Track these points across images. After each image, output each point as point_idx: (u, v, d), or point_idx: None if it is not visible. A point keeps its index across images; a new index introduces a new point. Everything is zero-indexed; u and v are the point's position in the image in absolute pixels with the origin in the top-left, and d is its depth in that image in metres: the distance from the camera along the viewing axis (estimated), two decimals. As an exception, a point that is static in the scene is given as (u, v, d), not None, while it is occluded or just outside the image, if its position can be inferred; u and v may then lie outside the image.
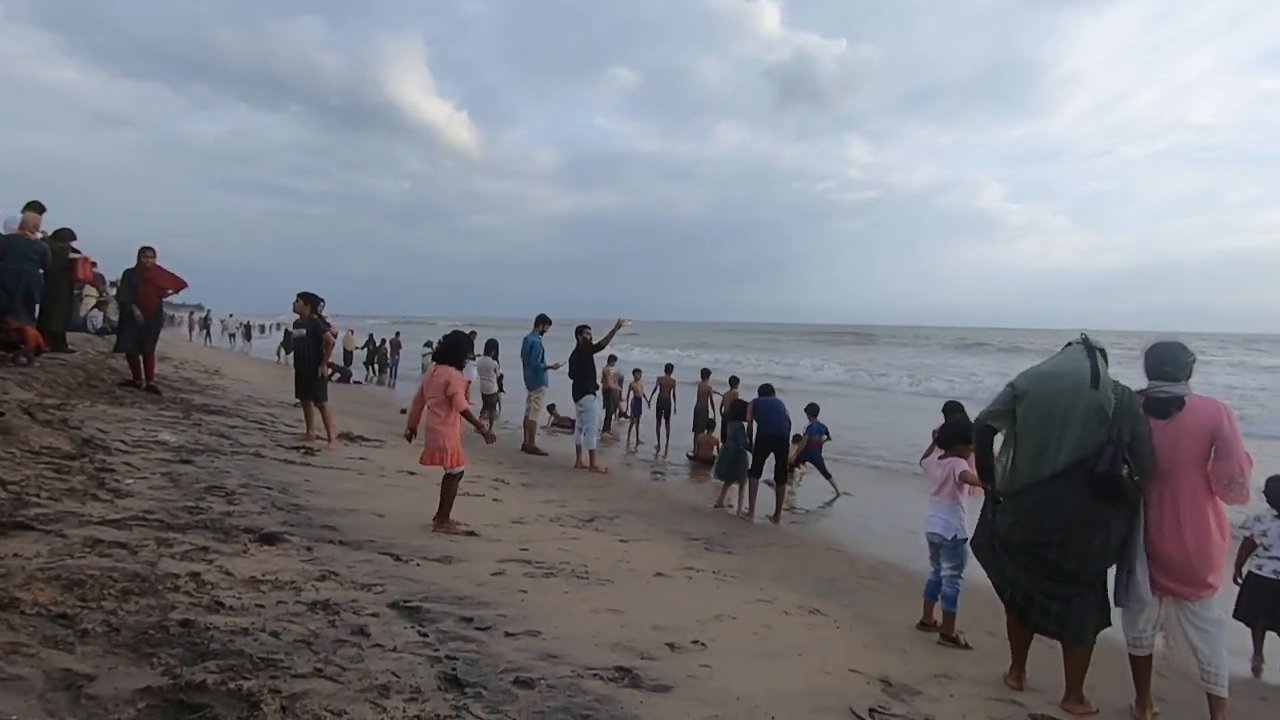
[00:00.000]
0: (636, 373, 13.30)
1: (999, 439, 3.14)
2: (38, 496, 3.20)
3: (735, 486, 7.41)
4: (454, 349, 5.03)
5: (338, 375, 18.48)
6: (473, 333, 17.22)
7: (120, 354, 8.30)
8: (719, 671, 2.80)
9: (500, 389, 12.67)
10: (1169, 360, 2.87)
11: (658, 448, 11.34)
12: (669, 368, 12.82)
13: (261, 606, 2.48)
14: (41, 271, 7.77)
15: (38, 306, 8.13)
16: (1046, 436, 2.86)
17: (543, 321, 9.58)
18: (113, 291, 12.80)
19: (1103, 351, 2.95)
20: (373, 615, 2.64)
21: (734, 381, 11.24)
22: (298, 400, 7.42)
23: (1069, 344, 3.09)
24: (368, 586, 2.99)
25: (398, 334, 22.55)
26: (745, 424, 7.47)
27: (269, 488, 4.56)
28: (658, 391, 12.01)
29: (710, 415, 11.08)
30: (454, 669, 2.28)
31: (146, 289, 8.09)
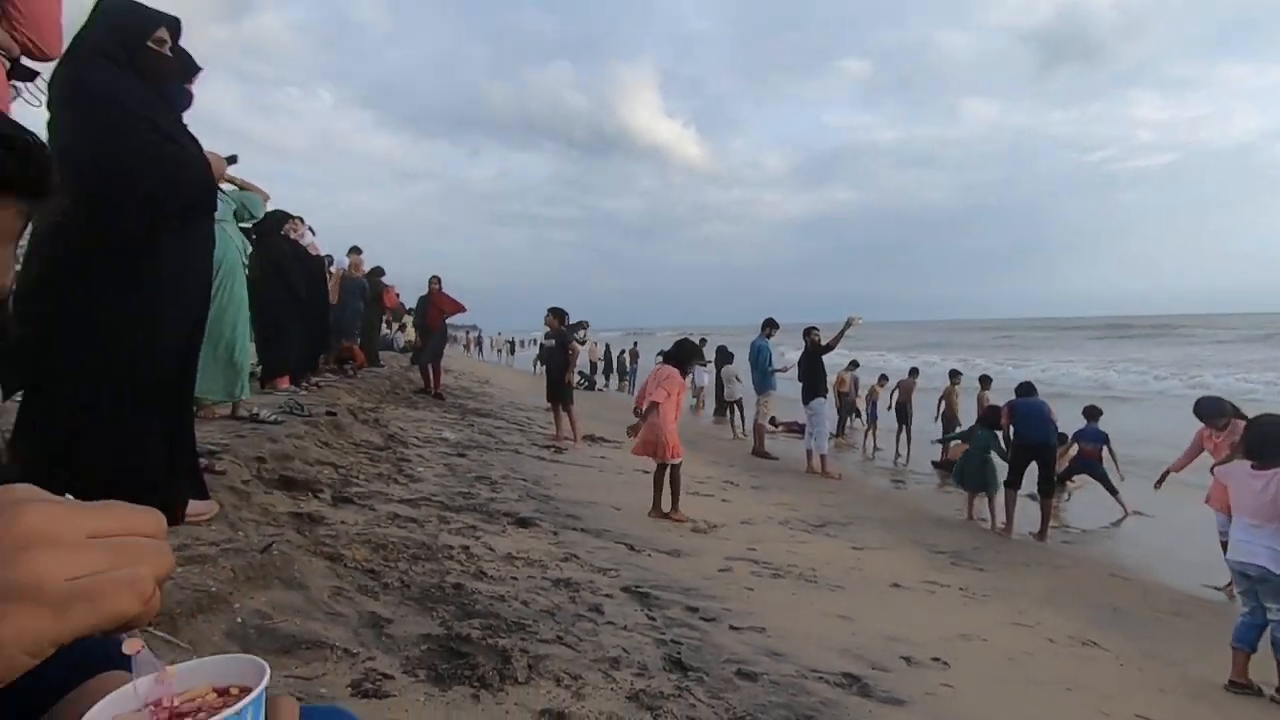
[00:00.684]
0: (882, 378, 12.50)
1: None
2: (358, 478, 3.98)
3: (985, 498, 6.65)
4: (681, 352, 5.31)
5: (585, 384, 20.23)
6: (703, 341, 17.70)
7: (415, 367, 9.99)
8: (963, 693, 2.55)
9: (740, 396, 12.82)
10: None
11: (897, 455, 10.60)
12: (914, 371, 11.92)
13: (515, 579, 2.82)
14: (362, 302, 9.69)
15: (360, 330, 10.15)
16: None
17: (770, 325, 9.52)
18: (410, 317, 15.37)
19: None
20: (607, 596, 2.85)
21: (985, 382, 10.12)
22: (548, 405, 8.26)
23: None
24: (604, 570, 3.24)
25: (635, 345, 23.99)
26: (1000, 430, 6.69)
27: (525, 479, 5.15)
28: (896, 395, 11.25)
29: (958, 422, 10.10)
30: (679, 653, 2.37)
31: (433, 312, 9.67)
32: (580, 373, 20.77)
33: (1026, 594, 4.28)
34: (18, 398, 2.22)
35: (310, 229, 7.62)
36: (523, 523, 3.78)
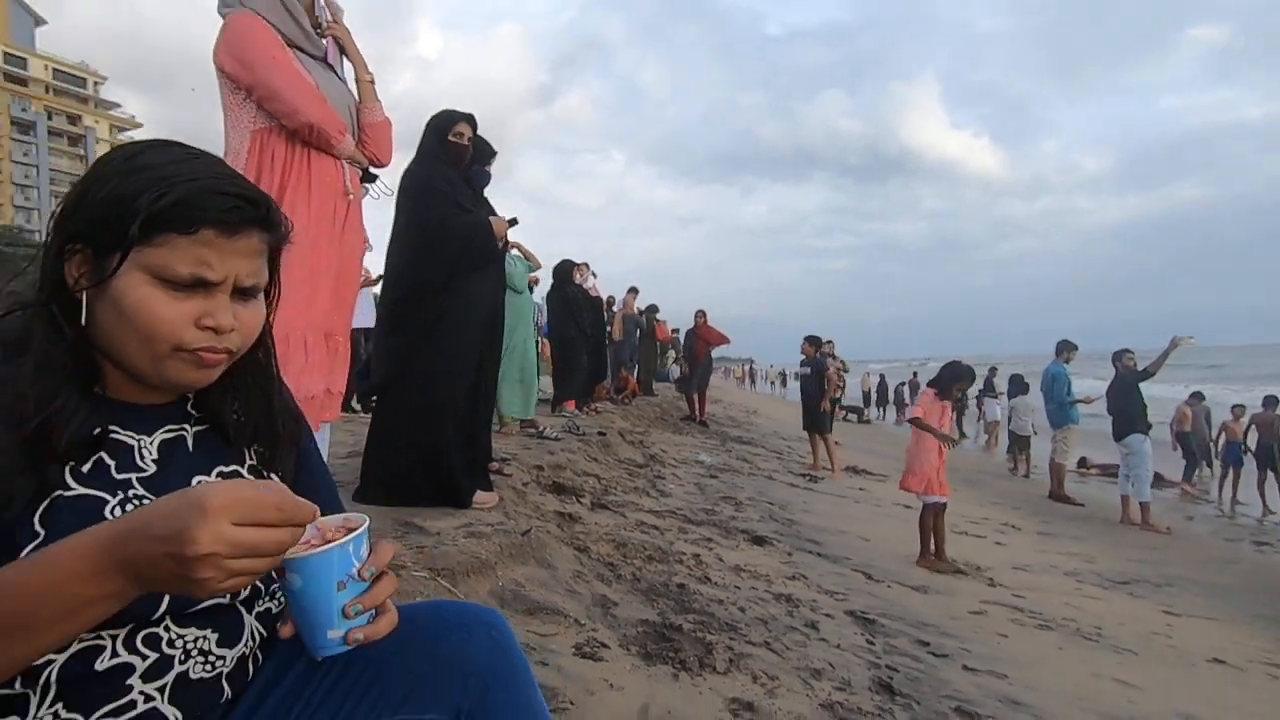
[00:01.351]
0: (1236, 410, 9.97)
1: None
2: (615, 490, 4.50)
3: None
4: (945, 375, 4.85)
5: (855, 416, 19.42)
6: (993, 370, 15.87)
7: (682, 395, 10.71)
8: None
9: (1034, 431, 11.29)
10: None
11: (1266, 511, 8.31)
12: (1271, 401, 9.26)
13: (738, 588, 2.97)
14: (639, 336, 10.77)
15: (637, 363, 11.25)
16: None
17: (1066, 348, 8.28)
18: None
19: None
20: (827, 615, 2.85)
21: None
22: (806, 433, 8.23)
23: None
24: (831, 593, 3.22)
25: (915, 375, 22.36)
26: None
27: (771, 503, 5.26)
28: (1253, 433, 8.87)
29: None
30: (891, 678, 2.30)
31: (699, 344, 10.33)
32: (852, 406, 20.05)
33: None
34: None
35: (594, 273, 8.77)
36: (758, 540, 3.92)
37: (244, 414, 0.82)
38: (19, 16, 62.31)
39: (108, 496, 0.70)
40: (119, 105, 71.53)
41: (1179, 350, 6.88)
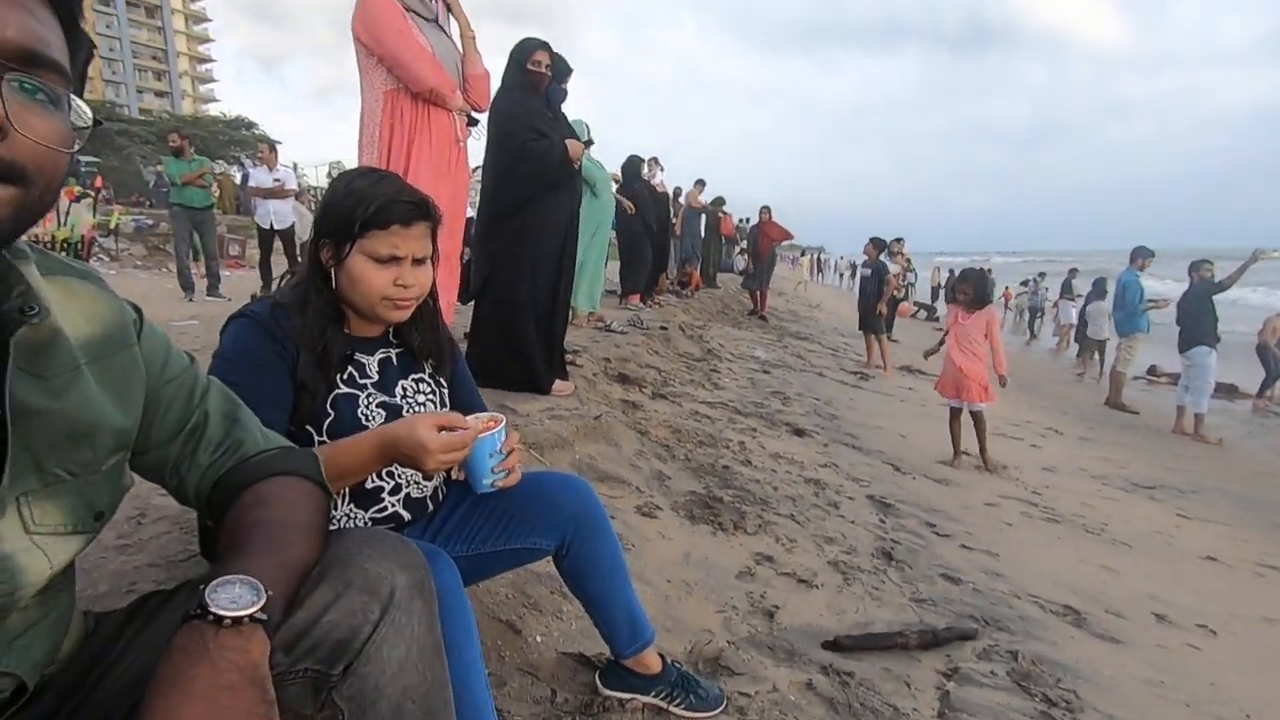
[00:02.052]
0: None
1: None
2: (674, 381, 5.02)
3: None
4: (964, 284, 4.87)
5: (925, 313, 19.22)
6: (1073, 271, 15.31)
7: (744, 290, 10.98)
8: (1208, 659, 2.47)
9: (1109, 335, 11.11)
10: None
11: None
12: None
13: (774, 471, 3.49)
14: (704, 229, 10.95)
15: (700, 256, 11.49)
16: None
17: (1142, 255, 8.07)
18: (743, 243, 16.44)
19: None
20: (849, 498, 3.35)
21: None
22: (860, 331, 8.49)
23: None
24: (857, 480, 3.70)
25: (989, 270, 21.62)
26: None
27: (817, 398, 5.70)
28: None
29: None
30: (892, 549, 2.80)
31: (763, 240, 10.47)
32: (921, 303, 19.75)
33: None
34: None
35: (661, 168, 8.92)
36: (798, 432, 4.40)
37: (423, 340, 1.31)
38: (88, -122, 61.35)
39: (357, 394, 1.21)
40: (191, -28, 71.10)
41: (1260, 264, 6.68)
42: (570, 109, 3.39)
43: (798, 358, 7.75)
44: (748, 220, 14.97)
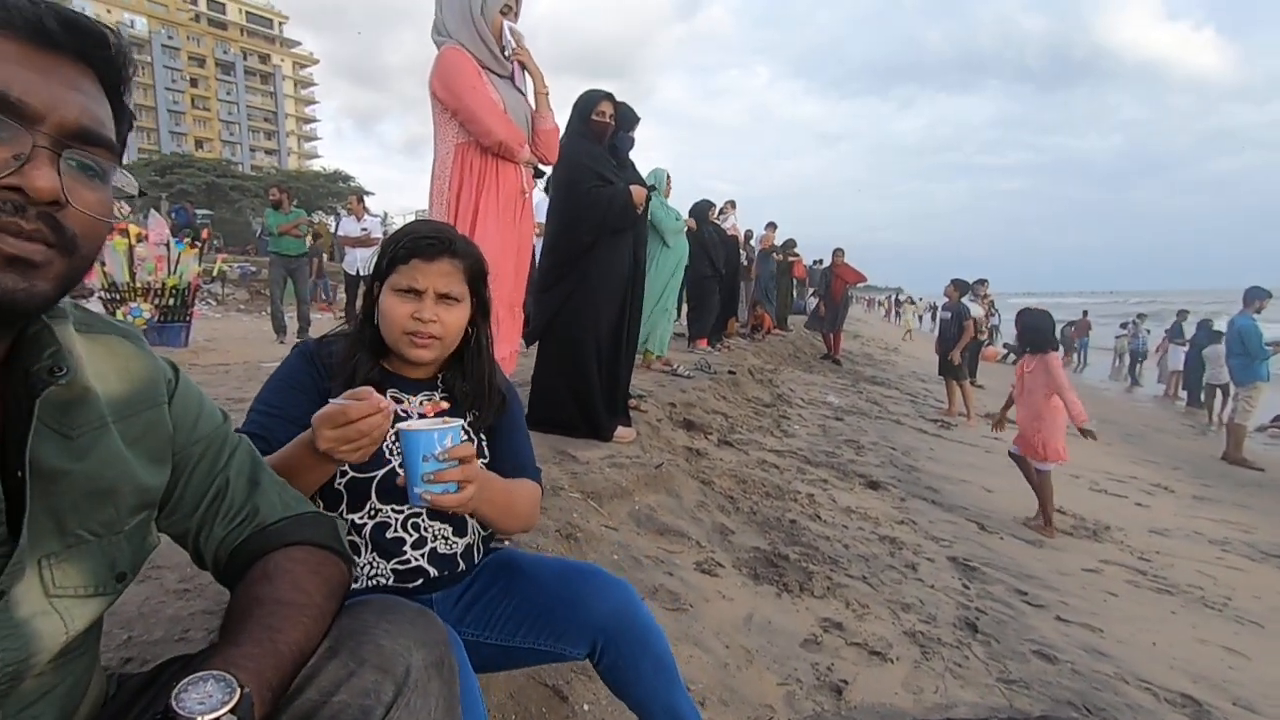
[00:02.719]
0: None
1: None
2: (742, 428, 4.88)
3: None
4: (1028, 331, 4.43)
5: (1014, 357, 18.24)
6: (1181, 313, 14.26)
7: (815, 331, 10.73)
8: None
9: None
10: None
11: None
12: None
13: (845, 528, 3.29)
14: (775, 272, 10.84)
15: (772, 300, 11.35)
16: None
17: (1257, 296, 7.39)
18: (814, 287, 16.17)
19: None
20: (928, 560, 3.11)
21: None
22: (940, 376, 8.09)
23: None
24: (937, 539, 3.45)
25: (1085, 314, 20.39)
26: None
27: (894, 448, 5.41)
28: None
29: None
30: (977, 619, 2.56)
31: (836, 282, 10.25)
32: (1007, 345, 18.75)
33: None
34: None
35: (734, 209, 8.93)
36: (873, 485, 4.17)
37: (468, 390, 1.28)
38: (214, -39, 68.90)
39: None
40: (299, 43, 78.05)
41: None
42: (647, 158, 3.43)
43: (873, 404, 7.44)
44: (820, 262, 14.74)
